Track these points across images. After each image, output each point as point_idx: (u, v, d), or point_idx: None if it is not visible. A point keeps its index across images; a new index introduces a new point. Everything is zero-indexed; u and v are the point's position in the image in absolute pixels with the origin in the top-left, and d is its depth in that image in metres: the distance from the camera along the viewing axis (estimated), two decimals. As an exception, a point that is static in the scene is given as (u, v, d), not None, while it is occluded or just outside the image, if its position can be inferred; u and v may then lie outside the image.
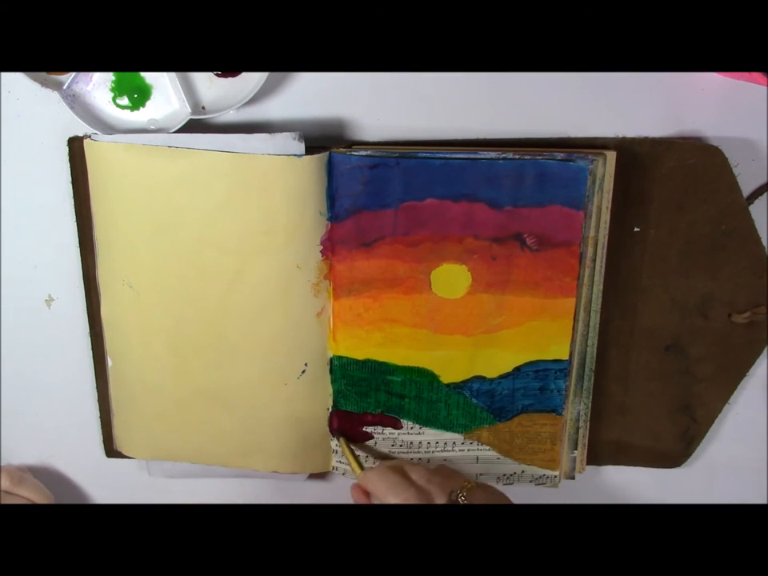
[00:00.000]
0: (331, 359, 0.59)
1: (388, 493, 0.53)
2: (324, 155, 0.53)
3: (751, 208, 0.56)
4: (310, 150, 0.52)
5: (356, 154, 0.53)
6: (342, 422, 0.61)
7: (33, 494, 0.63)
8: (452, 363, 0.58)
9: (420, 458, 0.61)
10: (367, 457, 0.61)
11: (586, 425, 0.60)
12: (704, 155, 0.54)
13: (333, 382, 0.60)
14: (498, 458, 0.61)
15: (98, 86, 0.55)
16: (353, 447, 0.60)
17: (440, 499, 0.53)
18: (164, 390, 0.59)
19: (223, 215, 0.54)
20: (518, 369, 0.58)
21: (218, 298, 0.56)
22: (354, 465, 0.58)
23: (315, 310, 0.57)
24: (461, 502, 0.52)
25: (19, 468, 0.65)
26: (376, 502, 0.56)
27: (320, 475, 0.65)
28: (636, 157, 0.55)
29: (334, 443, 0.62)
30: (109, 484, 0.67)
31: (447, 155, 0.53)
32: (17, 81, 0.55)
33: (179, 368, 0.58)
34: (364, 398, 0.60)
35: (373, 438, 0.61)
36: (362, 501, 0.57)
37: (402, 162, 0.53)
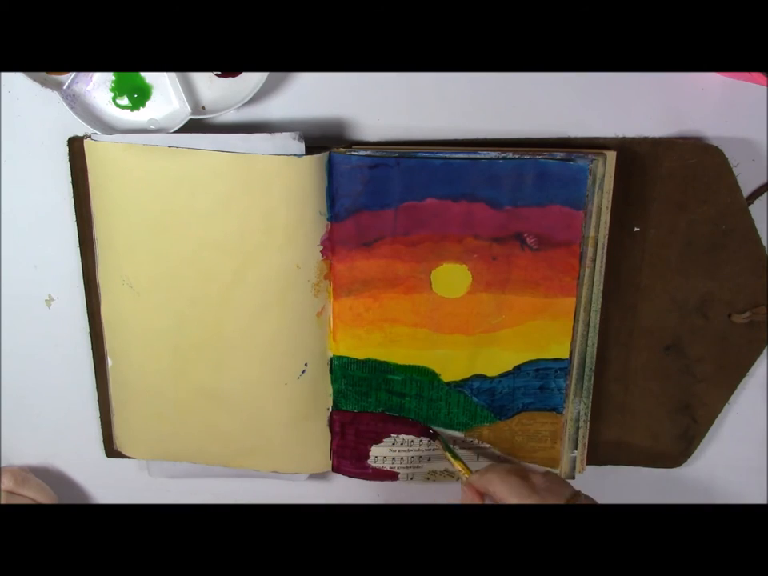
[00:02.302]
0: (331, 359, 0.59)
1: (511, 495, 0.52)
2: (324, 155, 0.53)
3: (751, 208, 0.56)
4: (310, 150, 0.52)
5: (356, 153, 0.53)
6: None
7: (36, 494, 0.63)
8: (452, 362, 0.58)
9: (420, 456, 0.61)
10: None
11: (586, 424, 0.60)
12: (704, 155, 0.54)
13: (333, 381, 0.60)
14: (499, 457, 0.61)
15: (98, 86, 0.55)
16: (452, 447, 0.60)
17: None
18: (164, 389, 0.59)
19: (223, 215, 0.54)
20: (518, 368, 0.58)
21: (217, 298, 0.56)
22: (461, 465, 0.58)
23: (315, 310, 0.57)
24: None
25: (22, 468, 0.65)
26: (490, 502, 0.55)
27: (320, 475, 0.65)
28: (636, 157, 0.55)
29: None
30: (109, 484, 0.67)
31: (447, 155, 0.53)
32: (17, 81, 0.55)
33: (179, 368, 0.58)
34: (364, 397, 0.60)
35: (373, 437, 0.61)
36: (476, 501, 0.56)
37: (402, 162, 0.53)
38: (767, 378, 0.62)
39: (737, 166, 0.55)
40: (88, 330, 0.61)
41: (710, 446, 0.63)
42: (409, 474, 0.62)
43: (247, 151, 0.52)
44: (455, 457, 0.58)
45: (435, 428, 0.60)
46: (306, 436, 0.61)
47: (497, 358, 0.58)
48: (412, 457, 0.61)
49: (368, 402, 0.60)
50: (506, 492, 0.52)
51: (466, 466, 0.58)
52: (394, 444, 0.61)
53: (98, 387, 0.63)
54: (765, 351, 0.60)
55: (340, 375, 0.59)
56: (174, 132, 0.54)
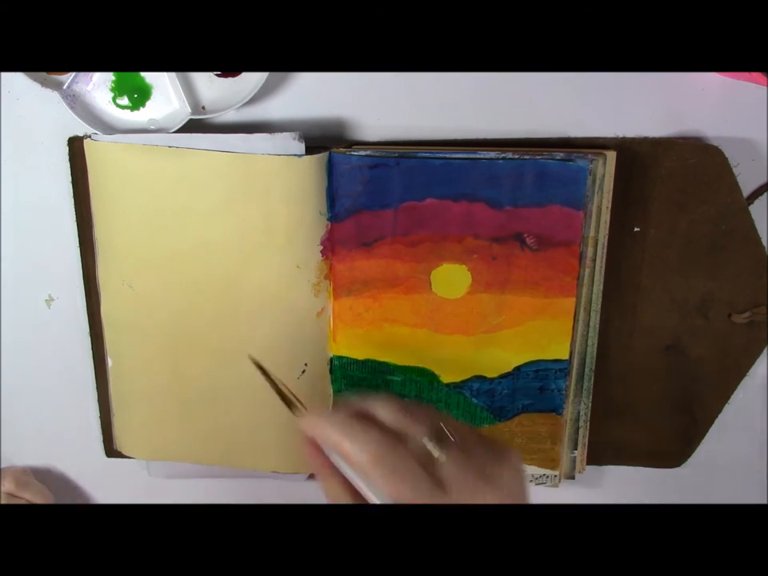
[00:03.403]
0: (331, 359, 0.59)
1: (343, 440, 0.39)
2: (324, 155, 0.53)
3: (751, 208, 0.56)
4: (310, 150, 0.52)
5: (356, 153, 0.53)
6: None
7: (36, 498, 0.63)
8: (452, 363, 0.58)
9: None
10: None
11: (586, 425, 0.60)
12: (704, 155, 0.54)
13: (333, 381, 0.60)
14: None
15: (98, 86, 0.55)
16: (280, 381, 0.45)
17: (419, 439, 0.40)
18: (164, 389, 0.59)
19: (223, 215, 0.54)
20: (518, 368, 0.58)
21: (217, 298, 0.56)
22: (293, 403, 0.42)
23: (315, 310, 0.57)
24: (451, 440, 0.40)
25: (23, 471, 0.65)
26: (333, 456, 0.42)
27: (320, 475, 0.65)
28: (636, 157, 0.55)
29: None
30: (109, 484, 0.67)
31: (447, 155, 0.53)
32: (17, 81, 0.55)
33: (179, 368, 0.58)
34: (364, 398, 0.60)
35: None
36: (316, 460, 0.42)
37: (402, 162, 0.53)
38: (767, 378, 0.62)
39: (737, 166, 0.55)
40: (88, 330, 0.61)
41: (710, 446, 0.63)
42: (409, 475, 0.62)
43: (247, 151, 0.52)
44: (282, 394, 0.45)
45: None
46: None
47: (497, 359, 0.58)
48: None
49: (368, 402, 0.60)
50: (336, 435, 0.40)
51: (300, 402, 0.43)
52: (393, 444, 0.61)
53: (97, 387, 0.63)
54: (765, 351, 0.60)
55: (340, 375, 0.59)
56: (174, 132, 0.54)
